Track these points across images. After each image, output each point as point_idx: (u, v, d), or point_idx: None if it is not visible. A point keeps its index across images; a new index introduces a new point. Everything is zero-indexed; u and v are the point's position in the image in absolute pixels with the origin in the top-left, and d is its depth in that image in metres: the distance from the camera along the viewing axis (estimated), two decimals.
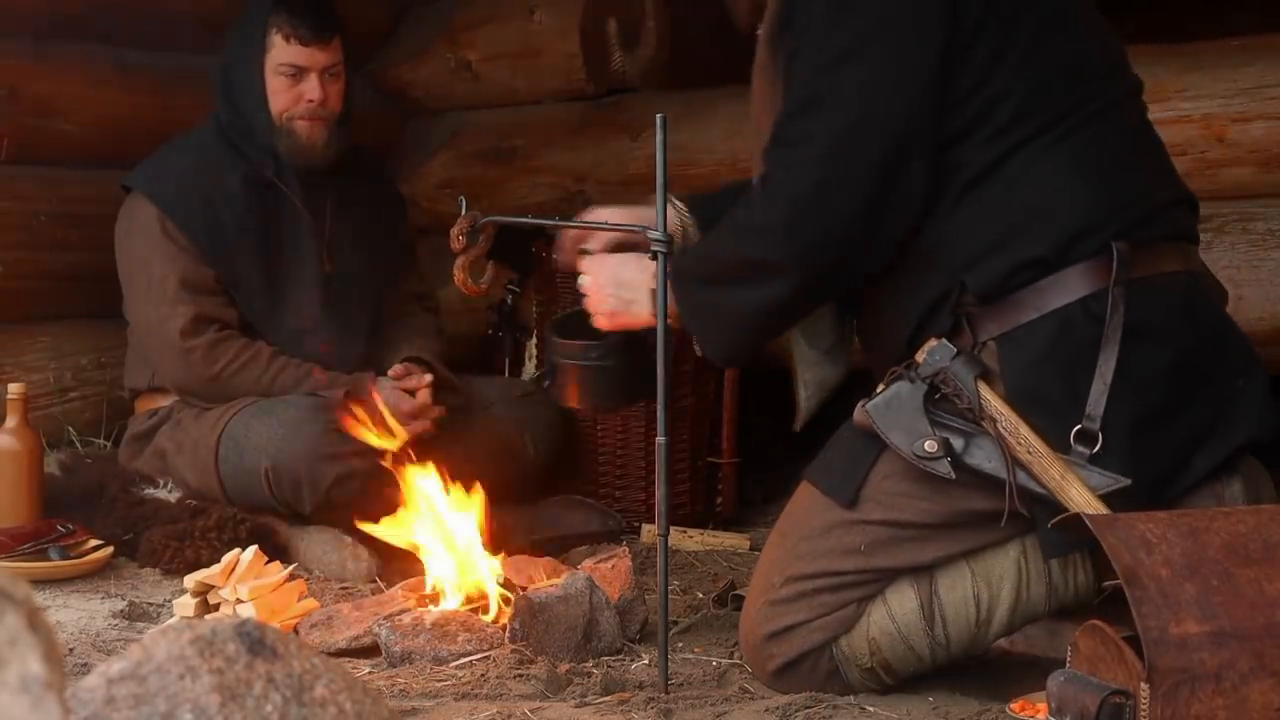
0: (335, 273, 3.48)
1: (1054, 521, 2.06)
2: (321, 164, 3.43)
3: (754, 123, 2.43)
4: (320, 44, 3.37)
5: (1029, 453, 2.15)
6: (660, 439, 2.31)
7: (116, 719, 1.25)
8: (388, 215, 3.67)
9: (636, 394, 2.75)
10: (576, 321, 2.62)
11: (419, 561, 2.81)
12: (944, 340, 2.23)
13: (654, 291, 2.39)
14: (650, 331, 2.44)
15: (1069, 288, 2.20)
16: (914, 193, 2.23)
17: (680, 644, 2.60)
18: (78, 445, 3.79)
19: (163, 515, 3.18)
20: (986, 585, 2.26)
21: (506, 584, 2.71)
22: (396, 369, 3.39)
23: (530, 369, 3.90)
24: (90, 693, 1.27)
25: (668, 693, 2.30)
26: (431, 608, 2.64)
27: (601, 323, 2.52)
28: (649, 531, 3.47)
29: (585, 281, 2.52)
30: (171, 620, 2.63)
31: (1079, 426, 2.16)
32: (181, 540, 3.07)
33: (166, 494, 3.29)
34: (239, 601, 2.57)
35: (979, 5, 2.23)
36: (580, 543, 3.35)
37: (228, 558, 2.66)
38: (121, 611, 2.79)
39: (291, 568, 2.82)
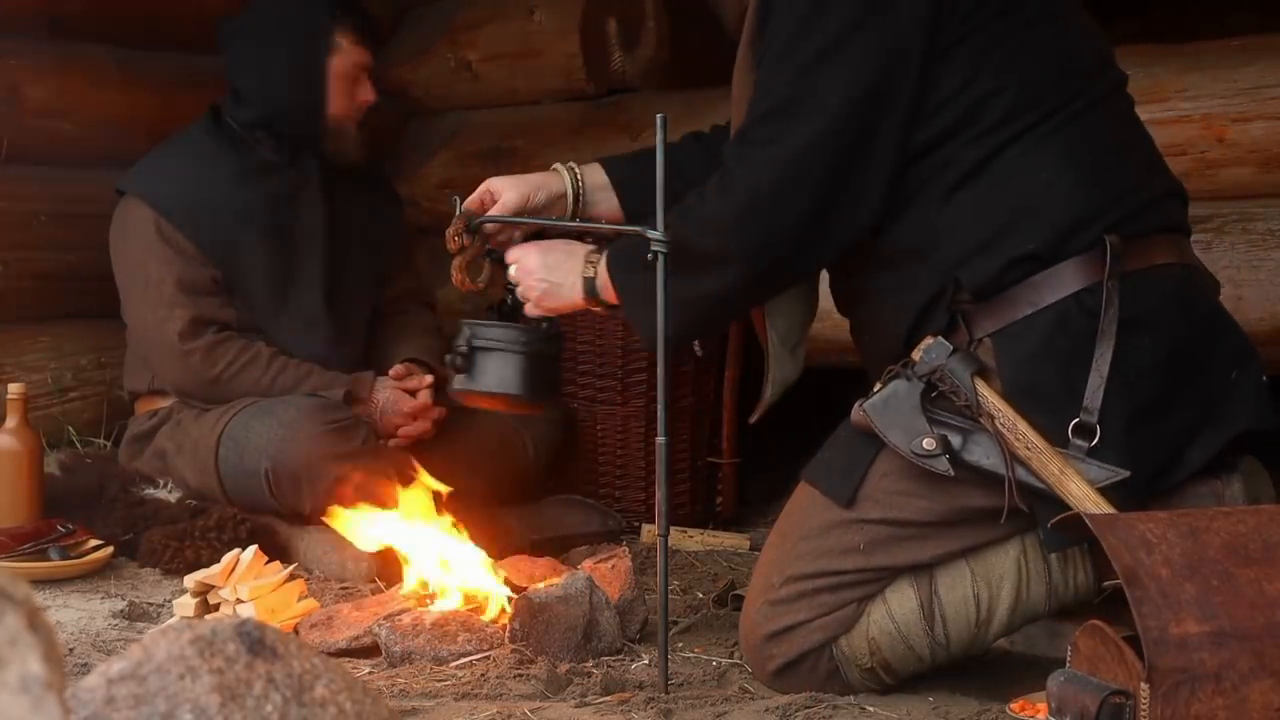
0: (338, 270, 3.49)
1: (1054, 521, 2.07)
2: (358, 164, 3.49)
3: (733, 124, 2.44)
4: (377, 47, 3.46)
5: (1027, 448, 2.16)
6: (660, 439, 2.30)
7: (116, 719, 1.25)
8: (386, 214, 3.68)
9: (558, 389, 2.73)
10: (495, 316, 2.62)
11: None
12: (940, 338, 2.23)
13: (584, 276, 2.42)
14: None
15: (1063, 282, 2.20)
16: (873, 197, 2.25)
17: (680, 644, 2.60)
18: (78, 445, 3.79)
19: (163, 515, 3.18)
20: (986, 585, 2.26)
21: (505, 584, 2.71)
22: (397, 369, 3.39)
23: None
24: (90, 693, 1.27)
25: (668, 693, 2.30)
26: (431, 607, 2.64)
27: (532, 309, 2.53)
28: (649, 531, 3.47)
29: (513, 271, 2.53)
30: (171, 620, 2.63)
31: (1076, 420, 2.17)
32: (181, 540, 3.07)
33: (166, 494, 3.29)
34: (239, 601, 2.57)
35: (969, 1, 2.24)
36: (580, 543, 3.35)
37: (228, 558, 2.66)
38: (121, 611, 2.79)
39: (291, 568, 2.82)
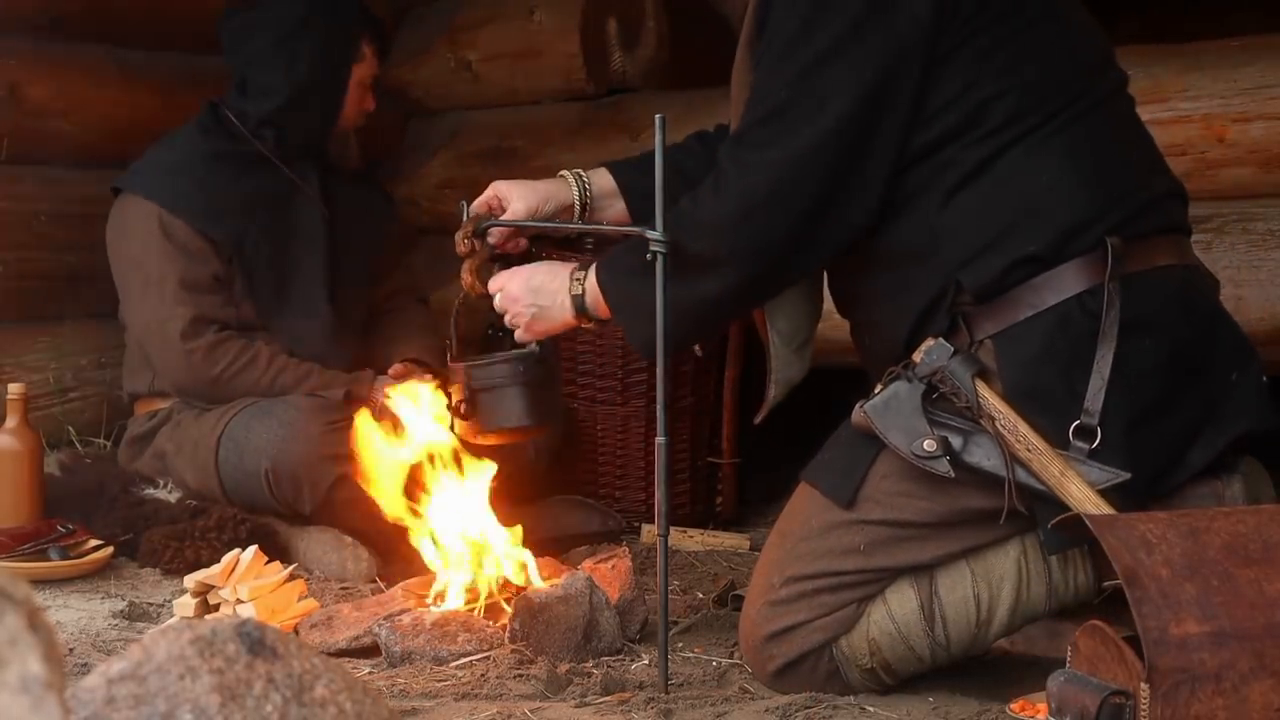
0: (336, 268, 3.50)
1: (1054, 521, 2.07)
2: (355, 167, 3.58)
3: (731, 124, 2.44)
4: (385, 60, 3.58)
5: (1028, 450, 2.16)
6: (660, 439, 2.30)
7: (116, 719, 1.25)
8: (378, 212, 3.72)
9: (560, 406, 2.76)
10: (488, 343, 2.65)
11: (419, 561, 2.81)
12: (941, 339, 2.23)
13: (571, 294, 2.41)
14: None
15: (1065, 284, 2.20)
16: (871, 198, 2.25)
17: (680, 644, 2.60)
18: (78, 445, 3.79)
19: (163, 515, 3.18)
20: (987, 585, 2.26)
21: (506, 584, 2.71)
22: (397, 368, 3.39)
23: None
24: (90, 693, 1.27)
25: (668, 693, 2.30)
26: (432, 606, 2.64)
27: (523, 334, 2.53)
28: (649, 531, 3.47)
29: (498, 300, 2.52)
30: (171, 620, 2.63)
31: (1077, 422, 2.17)
32: (181, 540, 3.07)
33: (166, 494, 3.30)
34: (239, 601, 2.57)
35: (971, 3, 2.23)
36: (580, 543, 3.35)
37: (228, 558, 2.66)
38: (121, 611, 2.79)
39: (291, 568, 2.82)
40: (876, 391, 2.25)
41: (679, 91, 4.13)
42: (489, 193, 2.63)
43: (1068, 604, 2.30)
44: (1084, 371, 2.17)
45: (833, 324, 2.60)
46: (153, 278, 3.35)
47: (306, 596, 2.75)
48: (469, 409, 2.60)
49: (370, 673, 2.45)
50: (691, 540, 3.45)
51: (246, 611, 2.54)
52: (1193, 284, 2.30)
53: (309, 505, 3.17)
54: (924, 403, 2.21)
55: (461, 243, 2.58)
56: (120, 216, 3.43)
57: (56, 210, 3.79)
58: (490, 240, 2.60)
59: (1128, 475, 2.15)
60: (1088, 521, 1.91)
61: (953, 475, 2.18)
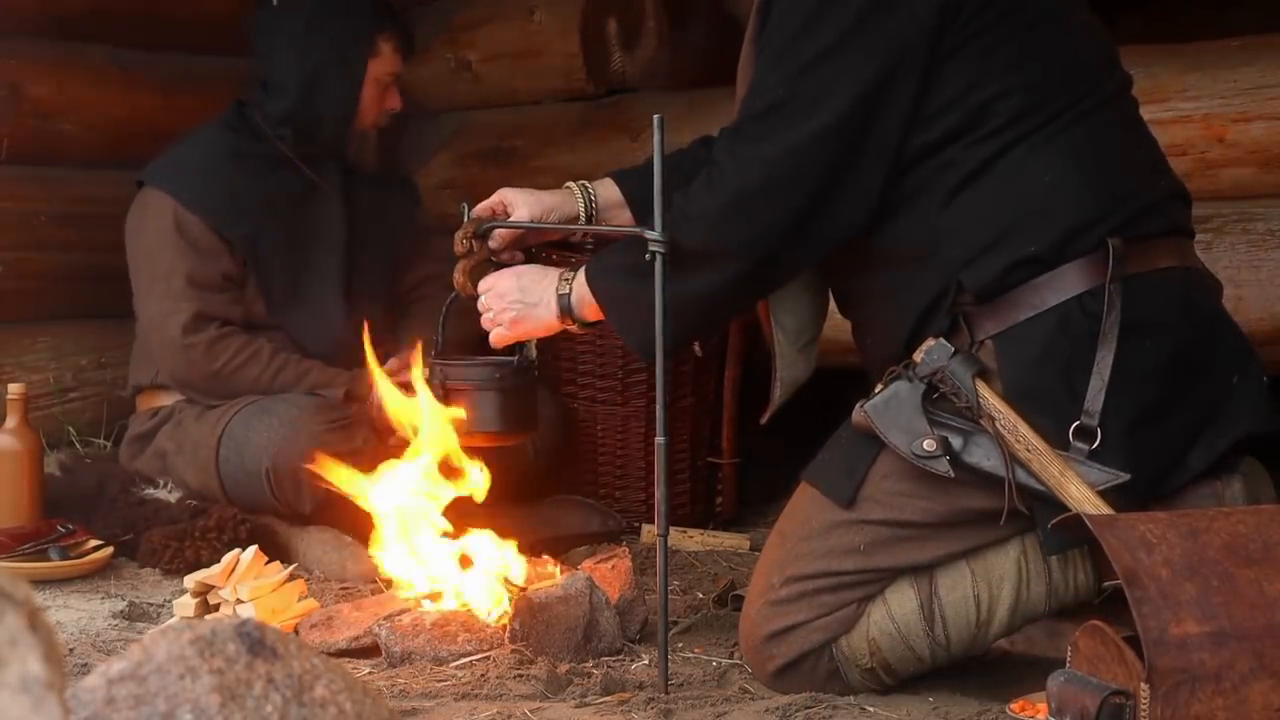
0: (353, 269, 3.50)
1: (1054, 522, 2.06)
2: (375, 169, 3.55)
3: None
4: (409, 58, 3.52)
5: (1028, 450, 2.16)
6: (660, 439, 2.30)
7: (116, 719, 1.25)
8: (400, 210, 3.71)
9: (535, 418, 2.77)
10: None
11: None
12: (941, 340, 2.23)
13: (558, 294, 2.41)
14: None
15: (1066, 285, 2.20)
16: (868, 196, 2.25)
17: (680, 644, 2.60)
18: (78, 445, 3.79)
19: (163, 515, 3.18)
20: (987, 585, 2.26)
21: (505, 584, 2.71)
22: (392, 362, 3.39)
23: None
24: (90, 693, 1.27)
25: (668, 693, 2.30)
26: (429, 606, 2.64)
27: (504, 335, 2.52)
28: (649, 531, 3.47)
29: (484, 298, 2.52)
30: (171, 620, 2.63)
31: (1077, 423, 2.17)
32: (181, 540, 3.07)
33: (166, 494, 3.30)
34: (239, 601, 2.57)
35: (974, 2, 2.23)
36: (580, 543, 3.35)
37: (228, 558, 2.66)
38: (121, 611, 2.79)
39: (291, 568, 2.82)
40: (877, 391, 2.25)
41: (679, 91, 4.13)
42: (495, 198, 2.63)
43: (1068, 604, 2.30)
44: (1084, 372, 2.17)
45: (834, 324, 2.60)
46: (161, 271, 3.36)
47: (306, 596, 2.75)
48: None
49: (370, 673, 2.45)
50: (691, 540, 3.45)
51: (246, 612, 2.54)
52: (1194, 286, 2.30)
53: (309, 505, 3.17)
54: (924, 403, 2.21)
55: (460, 243, 2.58)
56: (139, 209, 3.44)
57: (56, 210, 3.79)
58: (490, 244, 2.60)
59: (1127, 476, 2.15)
60: (1087, 521, 1.91)
61: (953, 475, 2.18)
